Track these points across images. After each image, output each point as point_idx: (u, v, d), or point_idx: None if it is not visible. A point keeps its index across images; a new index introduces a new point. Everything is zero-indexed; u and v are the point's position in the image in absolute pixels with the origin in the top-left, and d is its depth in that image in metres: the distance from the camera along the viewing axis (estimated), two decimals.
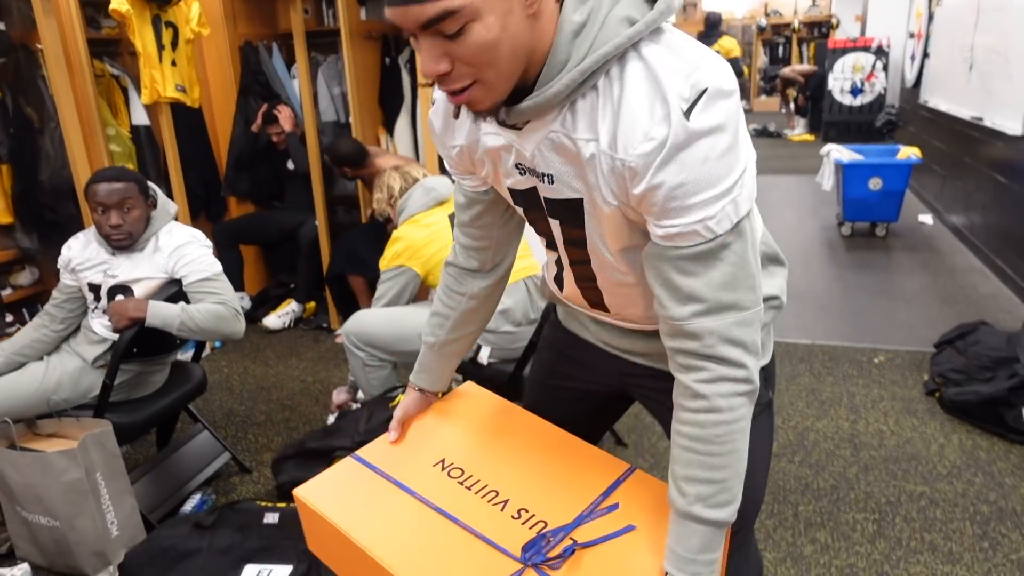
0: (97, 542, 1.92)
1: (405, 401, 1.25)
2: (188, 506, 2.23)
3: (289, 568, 1.76)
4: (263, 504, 1.92)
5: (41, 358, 2.11)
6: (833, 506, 2.14)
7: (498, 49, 0.77)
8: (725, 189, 0.78)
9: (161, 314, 1.94)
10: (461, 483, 1.09)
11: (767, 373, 1.08)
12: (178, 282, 2.04)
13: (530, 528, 1.01)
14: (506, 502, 1.05)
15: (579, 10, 0.78)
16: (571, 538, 0.99)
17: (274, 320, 3.72)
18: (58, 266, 2.11)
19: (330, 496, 1.08)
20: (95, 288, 2.06)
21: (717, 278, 0.83)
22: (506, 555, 0.97)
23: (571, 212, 0.93)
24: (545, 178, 0.90)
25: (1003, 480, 2.22)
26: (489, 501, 1.06)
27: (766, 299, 1.02)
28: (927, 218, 5.22)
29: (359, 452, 1.17)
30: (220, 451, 2.45)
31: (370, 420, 2.23)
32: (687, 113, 0.75)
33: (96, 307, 2.09)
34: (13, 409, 1.97)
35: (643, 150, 0.78)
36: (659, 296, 0.87)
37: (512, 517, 1.03)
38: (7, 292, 3.44)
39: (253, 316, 3.83)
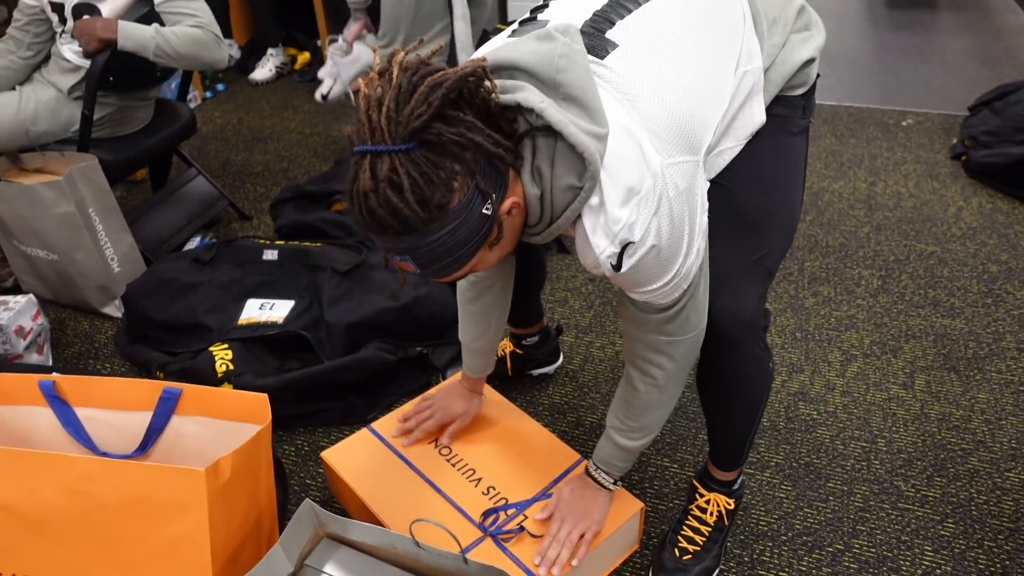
0: (99, 276, 1.92)
1: (463, 400, 1.43)
2: (189, 247, 2.22)
3: (291, 303, 1.77)
4: (262, 241, 1.89)
5: (13, 88, 1.96)
6: (840, 263, 2.11)
7: (501, 260, 0.94)
8: (670, 277, 0.92)
9: (133, 36, 1.76)
10: (448, 460, 1.37)
11: (806, 101, 1.08)
12: (149, 1, 1.84)
13: (495, 503, 1.28)
14: (480, 480, 1.32)
15: (533, 184, 0.88)
16: (524, 515, 1.26)
17: (260, 72, 3.50)
18: None
19: (348, 461, 1.37)
20: (58, 8, 1.86)
21: (676, 320, 1.01)
22: (472, 523, 1.24)
23: None
24: None
25: (1018, 242, 2.17)
26: (467, 478, 1.33)
27: (806, 63, 1.04)
28: None
29: (373, 425, 1.45)
30: (217, 197, 2.39)
31: None
32: (616, 267, 0.89)
33: (63, 31, 1.90)
34: None
35: (594, 270, 0.93)
36: (629, 322, 1.05)
37: (482, 493, 1.30)
38: None
39: (243, 67, 3.61)
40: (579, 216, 0.88)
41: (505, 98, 0.84)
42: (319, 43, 3.56)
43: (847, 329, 1.87)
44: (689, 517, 1.33)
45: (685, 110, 0.88)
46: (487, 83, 0.82)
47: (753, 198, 1.06)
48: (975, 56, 3.54)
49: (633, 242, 0.86)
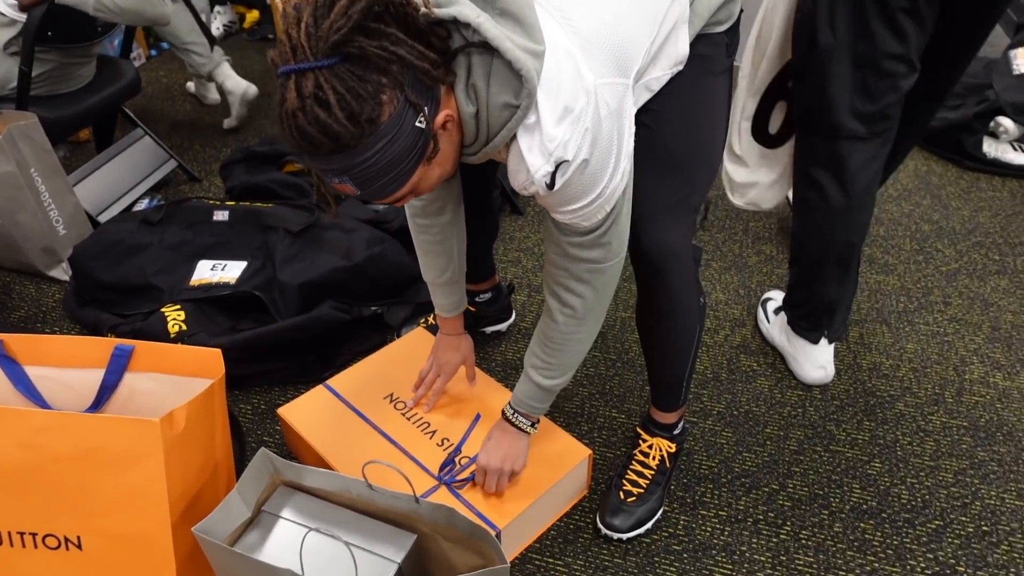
0: (44, 238, 1.89)
1: (453, 351, 1.41)
2: (137, 209, 2.18)
3: (243, 264, 1.76)
4: (212, 202, 1.87)
5: None
6: (782, 224, 2.19)
7: (442, 178, 0.94)
8: (595, 196, 0.93)
9: None
10: (403, 414, 1.40)
11: (730, 39, 1.10)
12: None
13: (447, 453, 1.33)
14: (434, 432, 1.37)
15: (468, 102, 0.88)
16: (467, 457, 1.31)
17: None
18: None
19: (305, 417, 1.40)
20: None
21: (599, 245, 1.02)
22: (428, 473, 1.29)
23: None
24: None
25: (949, 203, 2.27)
26: (422, 430, 1.37)
27: None
28: None
29: (329, 382, 1.48)
30: (165, 158, 2.35)
31: None
32: (550, 185, 0.89)
33: None
34: None
35: (528, 192, 0.93)
36: (552, 246, 1.06)
37: (437, 444, 1.35)
38: None
39: None
40: (515, 138, 0.88)
41: (440, 12, 0.83)
42: (268, 0, 3.47)
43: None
44: (633, 462, 1.39)
45: (618, 32, 0.90)
46: (416, 1, 0.82)
47: (677, 138, 1.09)
48: None
49: (567, 160, 0.87)
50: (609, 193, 0.94)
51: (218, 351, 1.11)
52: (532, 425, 1.26)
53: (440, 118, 0.86)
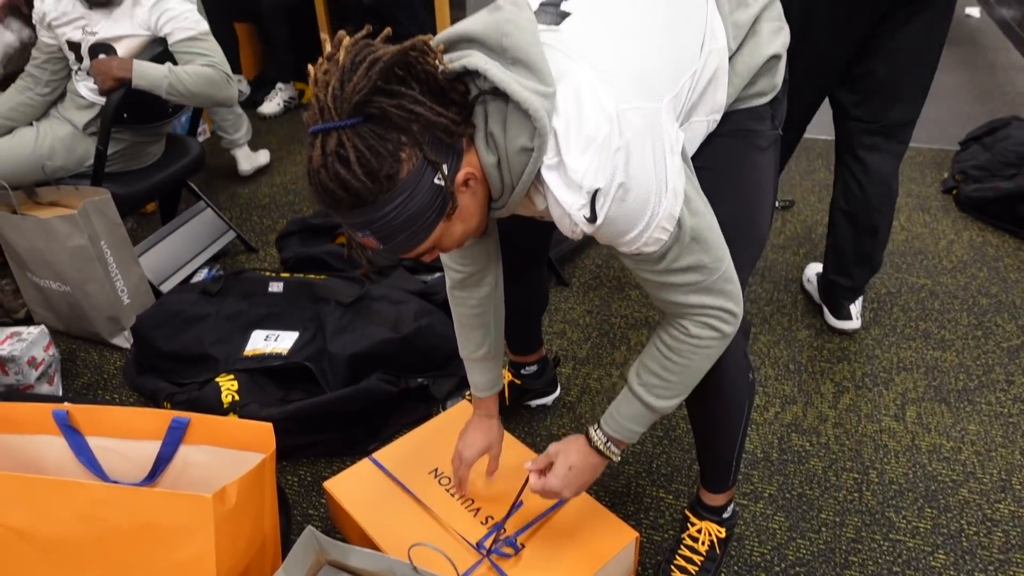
0: (110, 307, 1.97)
1: (482, 435, 1.35)
2: (197, 279, 2.27)
3: (295, 334, 1.81)
4: (268, 274, 1.94)
5: (30, 124, 2.03)
6: None
7: (466, 235, 0.95)
8: (647, 221, 0.90)
9: (147, 75, 1.84)
10: (447, 489, 1.40)
11: (774, 109, 1.11)
12: (163, 41, 1.91)
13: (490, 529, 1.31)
14: (479, 509, 1.35)
15: (488, 151, 0.90)
16: (507, 528, 1.29)
17: (268, 106, 3.58)
18: (33, 22, 1.97)
19: (350, 492, 1.41)
20: (75, 47, 1.94)
21: (686, 267, 0.97)
22: (471, 547, 1.27)
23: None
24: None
25: (1007, 275, 2.21)
26: (466, 507, 1.36)
27: (771, 58, 1.06)
28: (974, 10, 4.82)
29: (375, 455, 1.48)
30: (225, 229, 2.45)
31: None
32: (591, 219, 0.89)
33: (79, 68, 1.98)
34: (9, 175, 1.93)
35: (576, 235, 0.93)
36: (647, 283, 1.02)
37: (481, 523, 1.33)
38: None
39: (252, 101, 3.69)
40: (543, 181, 0.89)
41: (453, 66, 0.87)
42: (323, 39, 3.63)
43: (839, 361, 1.90)
44: (681, 546, 1.35)
45: (641, 59, 0.91)
46: (432, 57, 0.85)
47: (722, 213, 1.06)
48: (968, 91, 3.61)
49: (600, 188, 0.86)
50: (664, 213, 0.90)
51: (270, 425, 1.14)
52: (620, 454, 1.16)
53: (462, 175, 0.89)
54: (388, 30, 0.91)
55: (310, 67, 0.84)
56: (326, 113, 0.82)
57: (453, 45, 0.91)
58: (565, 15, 0.92)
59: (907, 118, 1.78)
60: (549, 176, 0.88)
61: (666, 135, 0.91)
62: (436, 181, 0.86)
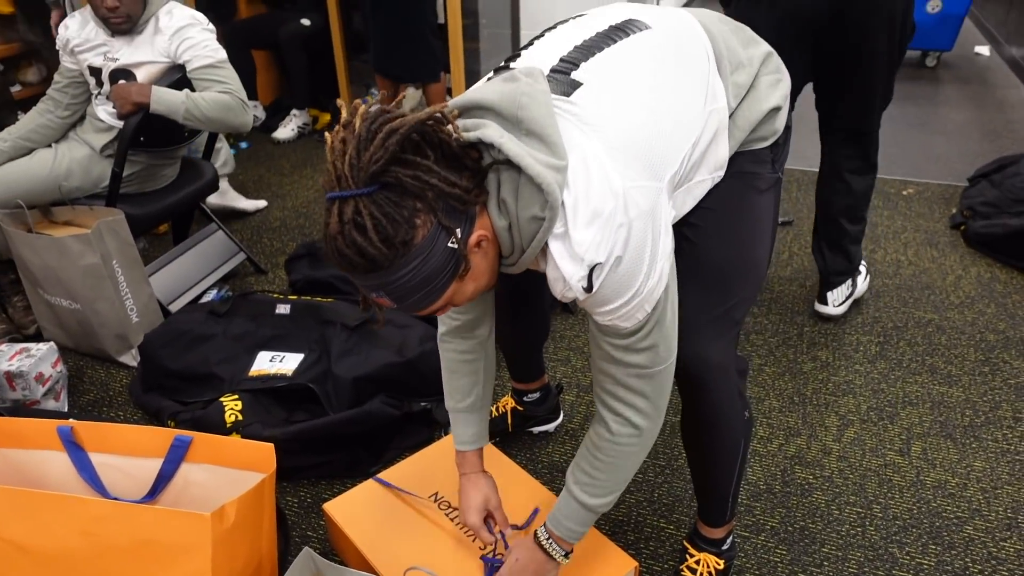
0: (118, 326, 2.00)
1: (475, 490, 1.32)
2: (206, 299, 2.29)
3: (300, 356, 1.82)
4: (275, 296, 1.96)
5: (49, 145, 2.08)
6: (838, 328, 2.15)
7: (478, 291, 0.97)
8: (631, 295, 0.94)
9: (165, 100, 1.88)
10: (447, 514, 1.41)
11: (775, 154, 1.12)
12: (182, 68, 1.96)
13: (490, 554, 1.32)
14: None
15: (500, 216, 0.93)
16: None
17: (282, 131, 3.65)
18: (56, 47, 2.02)
19: (349, 514, 1.41)
20: (96, 72, 1.99)
21: (644, 349, 1.01)
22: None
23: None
24: None
25: (1015, 312, 2.20)
26: (466, 532, 1.36)
27: (772, 110, 1.08)
28: (984, 49, 4.86)
29: (375, 479, 1.49)
30: (235, 251, 2.48)
31: None
32: (587, 288, 0.92)
33: (99, 93, 2.03)
34: (25, 194, 1.97)
35: (567, 298, 0.96)
36: (597, 350, 1.05)
37: (480, 548, 1.33)
38: (16, 89, 3.37)
39: (267, 126, 3.76)
40: (548, 249, 0.92)
41: (468, 135, 0.89)
42: (339, 102, 3.70)
43: (844, 394, 1.90)
44: None
45: (648, 137, 0.93)
46: (447, 126, 0.87)
47: (721, 253, 1.10)
48: (976, 128, 3.63)
49: (600, 262, 0.90)
50: (647, 292, 0.94)
51: (271, 446, 1.14)
52: (565, 555, 1.18)
53: (474, 238, 0.91)
54: (402, 95, 0.95)
55: (327, 135, 0.86)
56: (343, 181, 0.83)
57: (468, 111, 0.93)
58: (576, 85, 0.94)
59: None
60: (554, 245, 0.91)
61: (663, 216, 0.94)
62: (450, 244, 0.88)
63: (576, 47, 0.98)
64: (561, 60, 0.97)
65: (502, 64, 1.04)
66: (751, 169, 1.09)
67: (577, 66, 0.95)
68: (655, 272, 0.94)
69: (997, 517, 1.54)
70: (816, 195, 2.14)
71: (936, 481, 1.63)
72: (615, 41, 0.99)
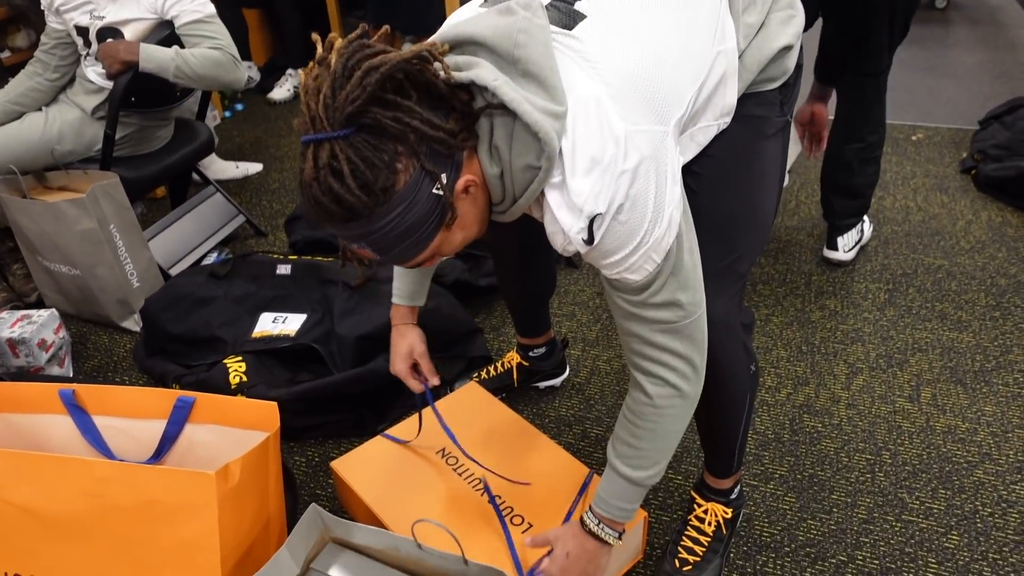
0: (119, 290, 1.98)
1: (401, 339, 1.31)
2: (207, 263, 2.27)
3: (303, 316, 1.81)
4: (275, 256, 1.94)
5: (39, 109, 2.04)
6: (847, 276, 2.12)
7: (467, 240, 0.92)
8: (635, 245, 0.88)
9: (155, 58, 1.83)
10: (455, 469, 1.40)
11: (784, 95, 1.06)
12: (170, 24, 1.91)
13: (503, 511, 1.30)
14: (486, 488, 1.35)
15: (492, 163, 0.87)
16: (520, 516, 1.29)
17: (278, 92, 3.58)
18: (42, 7, 1.97)
19: (357, 471, 1.40)
20: (83, 31, 1.94)
21: (663, 303, 0.95)
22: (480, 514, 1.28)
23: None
24: None
25: None
26: (473, 487, 1.36)
27: (782, 49, 1.01)
28: None
29: (381, 436, 1.49)
30: (234, 214, 2.45)
31: None
32: (588, 240, 0.87)
33: (87, 53, 1.98)
34: (18, 159, 1.94)
35: (565, 251, 0.92)
36: (618, 310, 0.99)
37: (488, 502, 1.32)
38: (6, 55, 3.30)
39: (262, 87, 3.69)
40: (544, 198, 0.87)
41: (459, 76, 0.82)
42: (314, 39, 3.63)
43: (853, 342, 1.88)
44: (688, 527, 1.34)
45: (653, 78, 0.86)
46: (434, 64, 0.81)
47: (724, 204, 1.05)
48: (987, 70, 3.54)
49: (600, 213, 0.84)
50: (653, 242, 0.89)
51: (274, 404, 1.13)
52: (619, 536, 1.11)
53: (461, 183, 0.85)
54: (386, 28, 0.88)
55: (300, 72, 0.81)
56: (317, 123, 0.78)
57: (458, 46, 0.87)
58: (579, 17, 0.87)
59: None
60: (551, 195, 0.86)
61: (669, 162, 0.88)
62: (435, 191, 0.82)
63: None
64: None
65: None
66: (758, 112, 1.04)
67: None
68: (662, 221, 0.88)
69: (1007, 461, 1.53)
70: (828, 138, 2.09)
71: (946, 426, 1.62)
72: None
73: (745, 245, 1.10)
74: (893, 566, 1.34)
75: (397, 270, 1.30)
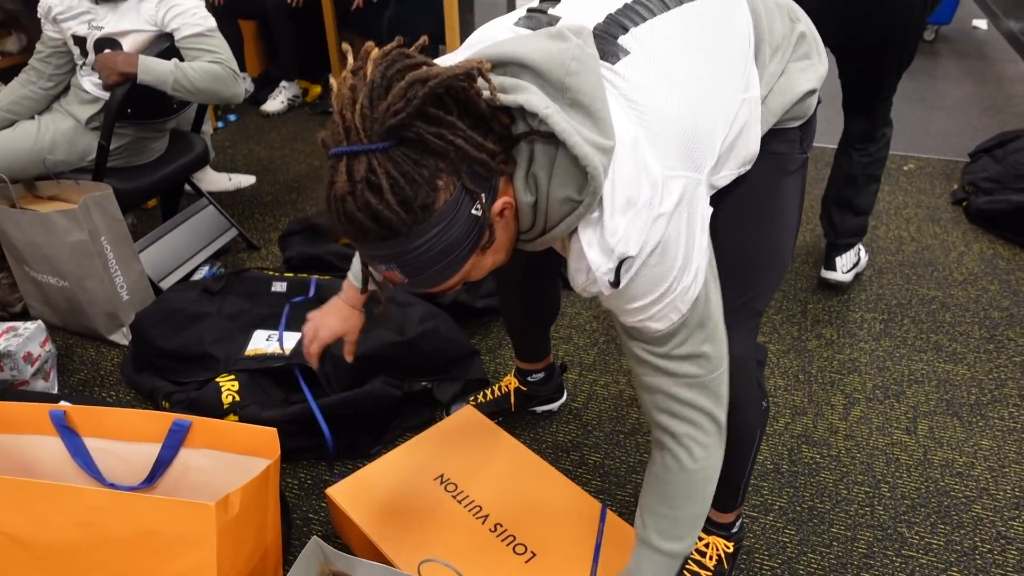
0: (108, 303, 1.94)
1: (341, 320, 1.20)
2: (198, 276, 2.24)
3: (298, 335, 1.78)
4: (271, 273, 1.91)
5: (32, 117, 2.00)
6: (842, 305, 2.13)
7: (495, 265, 0.90)
8: (662, 292, 0.86)
9: (153, 70, 1.81)
10: (454, 496, 1.37)
11: (804, 133, 1.05)
12: (170, 36, 1.88)
13: (502, 540, 1.28)
14: (487, 516, 1.33)
15: (527, 191, 0.84)
16: (522, 545, 1.27)
17: (271, 104, 3.56)
18: (38, 15, 1.94)
19: (354, 499, 1.37)
20: (80, 41, 1.91)
21: (688, 355, 0.92)
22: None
23: None
24: None
25: (1019, 289, 2.18)
26: (474, 515, 1.33)
27: (806, 94, 1.00)
28: (982, 23, 4.81)
29: (377, 462, 1.45)
30: (227, 227, 2.41)
31: None
32: (614, 283, 0.84)
33: (84, 63, 1.95)
34: (8, 168, 1.90)
35: (591, 293, 0.89)
36: (638, 365, 0.95)
37: (489, 530, 1.30)
38: None
39: (256, 99, 3.67)
40: (576, 234, 0.84)
41: (506, 99, 0.79)
42: (330, 77, 3.61)
43: (850, 372, 1.88)
44: (689, 561, 1.32)
45: (692, 125, 0.85)
46: (479, 83, 0.78)
47: (742, 241, 1.04)
48: (976, 103, 3.60)
49: (631, 256, 0.82)
50: (680, 291, 0.86)
51: (273, 431, 1.10)
52: None
53: (498, 205, 0.82)
54: (424, 40, 0.85)
55: (332, 80, 0.77)
56: (352, 134, 0.74)
57: (502, 65, 0.82)
58: (623, 52, 0.84)
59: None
60: (584, 232, 0.82)
61: (700, 210, 0.86)
62: (474, 211, 0.79)
63: (625, 5, 0.88)
64: (608, 18, 0.87)
65: (536, 7, 0.92)
66: (780, 149, 1.03)
67: (626, 30, 0.86)
68: (689, 270, 0.86)
69: (1005, 496, 1.53)
70: (835, 156, 2.14)
71: (943, 460, 1.62)
72: (667, 8, 0.89)
73: (763, 283, 1.09)
74: None
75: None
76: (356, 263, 1.18)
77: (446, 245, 0.78)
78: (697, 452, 0.96)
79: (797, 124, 1.03)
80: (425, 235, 0.77)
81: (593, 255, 0.83)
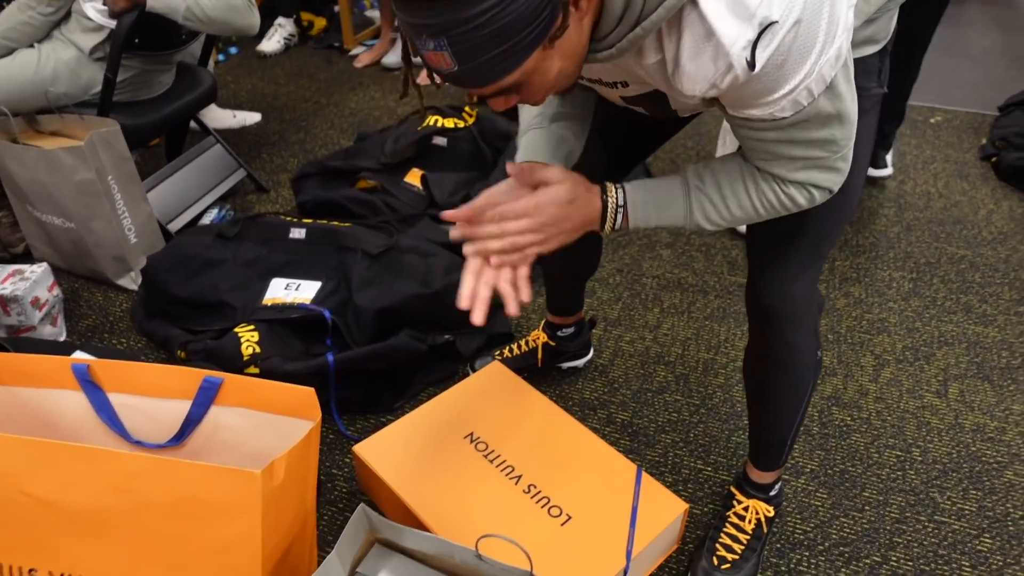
0: (116, 246, 1.86)
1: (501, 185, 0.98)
2: (207, 219, 2.16)
3: (318, 284, 1.72)
4: (289, 219, 1.83)
5: (31, 45, 1.88)
6: (871, 263, 2.08)
7: (560, 77, 0.76)
8: (805, 72, 0.75)
9: None
10: (484, 455, 1.33)
11: (883, 62, 0.98)
12: None
13: (536, 502, 1.25)
14: (520, 477, 1.30)
15: None
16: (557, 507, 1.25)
17: (267, 44, 3.35)
18: None
19: (382, 457, 1.33)
20: None
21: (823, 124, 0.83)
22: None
23: (650, 98, 0.91)
24: (617, 85, 0.90)
25: None
26: (506, 474, 1.30)
27: None
28: None
29: (405, 419, 1.40)
30: (234, 167, 2.32)
31: (397, 141, 2.08)
32: (751, 63, 0.72)
33: None
34: (8, 100, 1.79)
35: (708, 92, 0.77)
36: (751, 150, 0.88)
37: (523, 491, 1.27)
38: None
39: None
40: (690, 14, 0.71)
41: None
42: (336, 9, 3.45)
43: (879, 333, 1.84)
44: (727, 524, 1.31)
45: None
46: None
47: None
48: (1003, 53, 3.49)
49: (775, 21, 0.69)
50: (818, 73, 0.75)
51: (312, 391, 1.05)
52: (615, 226, 0.95)
53: None
54: None
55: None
56: None
57: None
58: None
59: None
60: (708, 4, 0.69)
61: None
62: None
63: None
64: None
65: None
66: (858, 83, 0.95)
67: None
68: (832, 47, 0.74)
69: None
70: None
71: (975, 424, 1.60)
72: None
73: (830, 226, 1.05)
74: (927, 568, 1.32)
75: (527, 143, 1.03)
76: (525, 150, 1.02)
77: (510, 21, 0.66)
78: (802, 196, 0.89)
79: (877, 49, 0.96)
80: (484, 2, 0.65)
81: (727, 27, 0.70)
